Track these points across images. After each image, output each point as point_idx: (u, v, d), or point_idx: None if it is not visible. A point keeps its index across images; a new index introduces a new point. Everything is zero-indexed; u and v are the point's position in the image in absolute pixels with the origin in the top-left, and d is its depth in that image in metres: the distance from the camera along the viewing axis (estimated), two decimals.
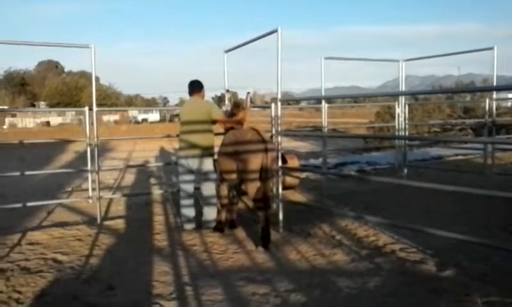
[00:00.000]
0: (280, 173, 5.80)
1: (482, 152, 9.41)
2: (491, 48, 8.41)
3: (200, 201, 6.03)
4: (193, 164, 5.79)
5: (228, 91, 6.74)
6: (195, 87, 6.02)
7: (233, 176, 5.44)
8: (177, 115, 5.98)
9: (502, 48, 9.99)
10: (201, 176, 5.88)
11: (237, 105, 5.88)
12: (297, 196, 7.73)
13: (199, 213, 5.94)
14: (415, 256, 4.58)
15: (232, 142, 5.47)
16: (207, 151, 5.80)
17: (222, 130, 6.10)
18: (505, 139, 11.42)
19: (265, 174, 5.10)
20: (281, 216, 5.63)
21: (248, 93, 6.28)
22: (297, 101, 18.21)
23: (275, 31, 5.50)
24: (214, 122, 5.89)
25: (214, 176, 5.89)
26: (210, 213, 5.86)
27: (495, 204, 6.28)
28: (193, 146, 5.77)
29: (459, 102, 19.38)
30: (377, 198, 7.31)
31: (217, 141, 5.94)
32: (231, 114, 5.88)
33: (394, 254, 4.70)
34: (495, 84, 8.53)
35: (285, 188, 6.66)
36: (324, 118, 8.96)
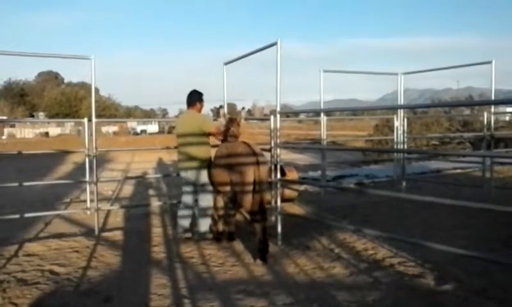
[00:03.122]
0: (278, 185, 5.80)
1: (480, 166, 9.42)
2: (490, 62, 8.45)
3: (195, 212, 6.05)
4: (191, 176, 5.87)
5: (221, 106, 6.80)
6: (191, 99, 6.08)
7: (227, 188, 5.49)
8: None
9: (501, 62, 10.04)
10: (198, 188, 5.92)
11: (232, 120, 5.91)
12: (295, 209, 7.71)
13: (194, 223, 6.00)
14: (413, 270, 4.57)
15: (224, 155, 5.54)
16: (201, 164, 5.85)
17: (216, 142, 6.16)
18: (503, 152, 11.43)
19: (258, 186, 5.11)
20: (279, 229, 5.61)
21: (243, 108, 6.37)
22: (297, 113, 18.28)
23: (275, 44, 5.52)
24: (210, 134, 5.94)
25: (210, 188, 5.92)
26: (202, 225, 5.91)
27: (494, 218, 6.27)
28: (188, 159, 5.89)
29: (458, 116, 19.45)
30: (376, 211, 7.30)
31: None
32: (226, 129, 5.89)
33: (393, 268, 4.68)
34: (493, 97, 8.56)
35: (283, 200, 6.65)
36: (323, 130, 8.99)
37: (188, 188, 5.97)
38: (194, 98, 6.07)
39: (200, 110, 6.12)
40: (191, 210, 6.02)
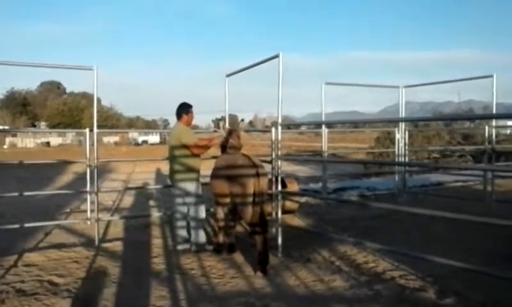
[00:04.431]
0: (279, 197, 5.79)
1: (481, 179, 9.40)
2: (491, 76, 8.47)
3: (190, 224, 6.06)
4: (180, 188, 5.92)
5: (220, 119, 6.86)
6: (178, 112, 6.13)
7: (227, 199, 5.51)
8: None
9: (502, 76, 10.06)
10: (188, 199, 5.94)
11: (231, 132, 5.92)
12: (296, 221, 7.70)
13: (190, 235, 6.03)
14: (414, 283, 4.55)
15: (223, 166, 5.57)
16: (188, 176, 5.90)
17: (217, 154, 6.16)
18: (504, 166, 11.40)
19: (258, 198, 5.12)
20: (280, 241, 5.60)
21: (242, 119, 6.43)
22: (298, 125, 18.29)
23: (276, 56, 5.55)
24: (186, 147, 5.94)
25: (199, 199, 5.97)
26: (200, 236, 5.94)
27: (495, 231, 6.24)
28: (174, 171, 5.97)
29: (459, 129, 19.45)
30: (377, 224, 7.28)
31: (209, 164, 6.02)
32: (226, 140, 5.90)
33: (393, 281, 4.66)
34: (494, 111, 8.57)
35: (284, 212, 6.64)
36: (324, 142, 9.00)
37: (178, 200, 6.00)
38: (181, 110, 6.11)
39: (188, 122, 6.14)
40: (185, 220, 6.05)
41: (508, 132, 19.80)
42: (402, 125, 9.86)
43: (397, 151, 10.01)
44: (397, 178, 10.14)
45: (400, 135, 9.85)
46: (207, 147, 6.05)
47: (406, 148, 10.00)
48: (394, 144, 10.51)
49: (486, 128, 8.77)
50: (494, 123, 9.16)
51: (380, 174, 14.19)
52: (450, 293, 4.25)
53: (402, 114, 10.08)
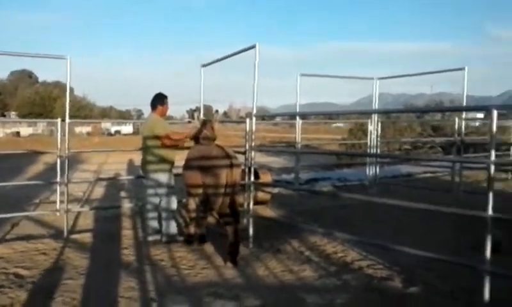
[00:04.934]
0: (251, 187, 5.80)
1: (450, 170, 9.59)
2: (462, 69, 8.58)
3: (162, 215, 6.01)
4: (152, 178, 5.91)
5: (195, 110, 6.82)
6: (153, 103, 6.11)
7: (199, 190, 5.46)
8: None
9: (473, 69, 10.24)
10: (161, 190, 5.91)
11: (205, 123, 5.89)
12: (268, 212, 7.72)
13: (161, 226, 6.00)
14: (382, 273, 4.62)
15: (196, 157, 5.52)
16: (159, 167, 5.87)
17: (190, 144, 6.12)
18: (472, 157, 11.64)
19: (230, 189, 5.12)
20: (251, 231, 5.61)
21: (217, 111, 6.41)
22: (272, 116, 18.28)
23: (253, 47, 5.54)
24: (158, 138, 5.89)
25: (171, 190, 5.95)
26: (171, 227, 5.92)
27: (462, 222, 6.37)
28: (146, 162, 5.95)
29: (430, 121, 19.76)
30: (347, 214, 7.36)
31: (182, 155, 5.98)
32: (199, 131, 5.85)
33: (362, 271, 4.72)
34: (464, 104, 8.73)
35: (257, 203, 6.65)
36: (298, 133, 9.03)
37: (150, 191, 5.97)
38: (156, 101, 6.10)
39: (162, 113, 6.13)
40: (156, 211, 6.02)
41: (477, 124, 20.22)
42: (375, 117, 9.96)
43: (369, 143, 10.12)
44: (368, 169, 10.26)
45: (373, 126, 9.96)
46: (179, 140, 6.01)
47: (378, 139, 10.12)
48: (367, 135, 10.62)
49: (456, 120, 8.93)
50: (464, 115, 9.33)
51: (352, 165, 14.34)
52: (417, 282, 4.33)
53: (376, 105, 10.18)
